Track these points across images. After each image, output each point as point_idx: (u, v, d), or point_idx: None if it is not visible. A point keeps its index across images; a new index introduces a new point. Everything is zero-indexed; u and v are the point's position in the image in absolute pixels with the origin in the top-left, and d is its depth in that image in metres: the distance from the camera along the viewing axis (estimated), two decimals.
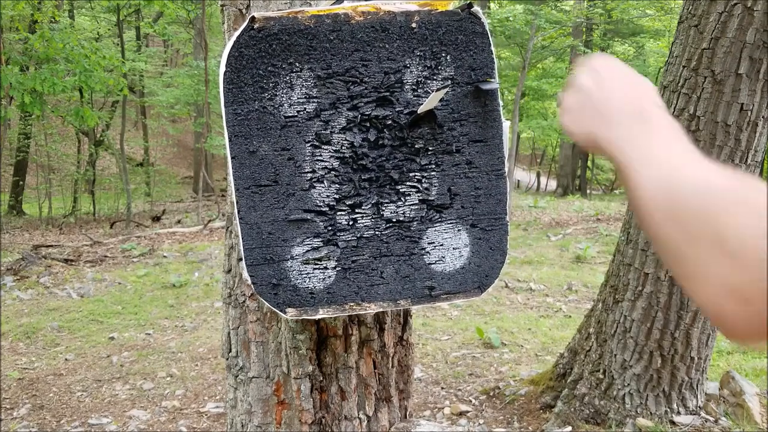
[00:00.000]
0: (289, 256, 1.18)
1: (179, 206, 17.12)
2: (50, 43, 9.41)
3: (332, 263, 1.20)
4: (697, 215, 0.54)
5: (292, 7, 1.40)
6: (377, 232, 1.22)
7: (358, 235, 1.21)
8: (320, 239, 1.19)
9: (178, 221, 13.61)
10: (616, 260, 3.25)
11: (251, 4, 1.42)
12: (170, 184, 20.31)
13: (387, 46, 1.17)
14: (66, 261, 8.26)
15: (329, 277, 1.20)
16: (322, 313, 1.20)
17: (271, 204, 1.16)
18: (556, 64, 20.68)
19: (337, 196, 1.19)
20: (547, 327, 5.17)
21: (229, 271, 1.55)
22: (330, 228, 1.19)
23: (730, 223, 0.50)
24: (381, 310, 1.24)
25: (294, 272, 1.18)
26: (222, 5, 1.50)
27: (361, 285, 1.22)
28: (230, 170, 1.15)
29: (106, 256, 8.84)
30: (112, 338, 5.16)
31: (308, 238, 1.18)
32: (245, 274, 1.17)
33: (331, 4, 1.23)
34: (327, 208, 1.19)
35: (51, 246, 9.58)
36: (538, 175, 25.97)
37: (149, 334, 5.31)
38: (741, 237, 0.49)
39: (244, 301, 1.51)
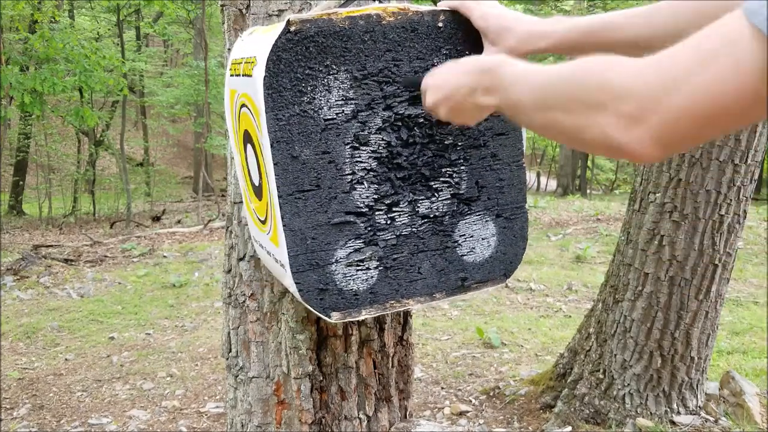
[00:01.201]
0: (333, 260, 1.19)
1: (179, 206, 17.12)
2: (50, 43, 9.41)
3: (374, 263, 1.21)
4: (570, 90, 0.70)
5: (291, 6, 1.40)
6: (414, 229, 1.24)
7: (397, 233, 1.23)
8: (362, 240, 1.20)
9: (178, 221, 13.61)
10: (616, 260, 3.25)
11: (251, 4, 1.42)
12: (170, 184, 20.30)
13: (416, 45, 1.19)
14: (66, 261, 8.26)
15: (372, 277, 1.21)
16: (364, 314, 1.22)
17: (314, 209, 1.16)
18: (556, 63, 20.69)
19: (375, 196, 1.20)
20: (547, 327, 5.17)
21: (229, 271, 1.55)
22: (370, 228, 1.21)
23: (610, 76, 0.64)
24: (419, 305, 1.27)
25: (339, 275, 1.19)
26: (222, 5, 1.51)
27: (401, 282, 1.24)
28: (271, 177, 1.14)
29: (106, 256, 8.84)
30: (112, 338, 5.16)
31: (350, 240, 1.19)
32: (289, 281, 1.17)
33: (340, 5, 1.24)
34: (366, 209, 1.20)
35: (51, 246, 9.58)
36: (538, 175, 25.98)
37: (149, 334, 5.32)
38: (624, 78, 0.63)
39: (244, 301, 1.51)
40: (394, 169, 1.21)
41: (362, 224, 1.20)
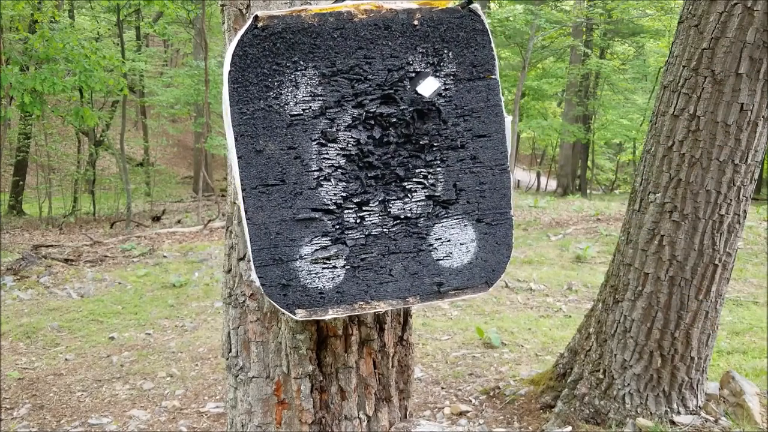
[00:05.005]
0: (297, 256, 1.18)
1: (179, 206, 17.12)
2: (50, 43, 9.41)
3: (341, 262, 1.20)
4: None
5: (292, 6, 1.40)
6: (385, 230, 1.22)
7: (366, 233, 1.21)
8: (328, 238, 1.19)
9: (178, 221, 13.60)
10: (616, 260, 3.25)
11: (251, 4, 1.42)
12: (170, 184, 20.30)
13: (390, 43, 1.17)
14: (66, 261, 8.26)
15: (338, 276, 1.20)
16: (331, 313, 1.20)
17: (278, 203, 1.16)
18: (556, 64, 20.69)
19: (344, 194, 1.19)
20: (547, 327, 5.17)
21: (229, 271, 1.55)
22: (338, 226, 1.19)
23: None
24: (390, 308, 1.24)
25: (303, 272, 1.18)
26: (222, 5, 1.50)
27: (370, 283, 1.22)
28: (235, 170, 1.15)
29: (106, 256, 8.83)
30: (112, 338, 5.16)
31: (316, 237, 1.18)
32: (253, 276, 1.17)
33: (334, 2, 1.23)
34: (334, 207, 1.19)
35: (51, 246, 9.57)
36: (538, 175, 25.97)
37: (149, 334, 5.32)
38: None
39: (244, 301, 1.51)
40: (365, 167, 1.19)
41: (330, 222, 1.18)
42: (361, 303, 1.22)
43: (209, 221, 11.75)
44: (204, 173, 14.64)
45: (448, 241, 1.26)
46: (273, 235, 1.16)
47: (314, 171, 1.17)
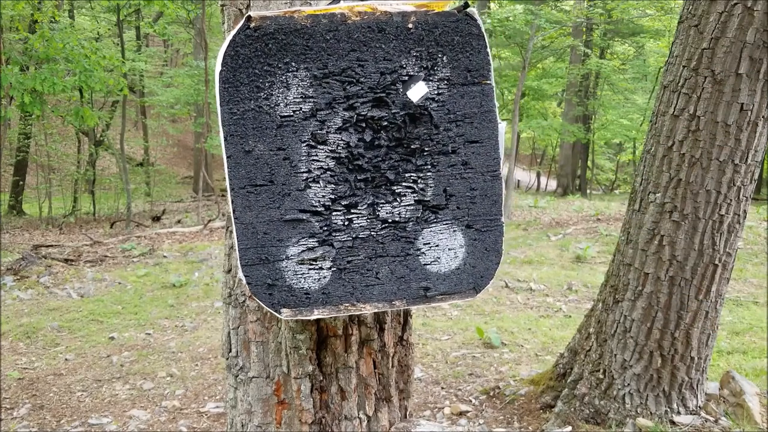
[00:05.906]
0: (284, 257, 1.18)
1: (179, 206, 17.12)
2: (50, 43, 9.40)
3: (327, 263, 1.20)
4: None
5: (292, 6, 1.40)
6: (373, 233, 1.22)
7: (354, 236, 1.21)
8: (315, 239, 1.19)
9: (178, 221, 13.60)
10: (616, 260, 3.25)
11: (251, 4, 1.42)
12: (170, 184, 20.30)
13: (383, 46, 1.17)
14: (66, 261, 8.26)
15: (324, 277, 1.20)
16: (317, 314, 1.20)
17: (266, 204, 1.16)
18: (556, 64, 20.67)
19: (332, 197, 1.19)
20: (547, 327, 5.17)
21: (229, 271, 1.55)
22: (325, 228, 1.19)
23: None
24: (376, 310, 1.24)
25: (289, 272, 1.18)
26: (222, 5, 1.50)
27: (357, 285, 1.22)
28: (225, 168, 1.16)
29: (106, 256, 8.83)
30: (112, 338, 5.16)
31: (303, 238, 1.19)
32: (240, 274, 1.18)
33: (328, 4, 1.23)
34: (322, 209, 1.19)
35: (51, 246, 9.57)
36: (538, 175, 25.97)
37: (149, 334, 5.31)
38: None
39: (244, 301, 1.51)
40: (355, 170, 1.19)
41: (317, 223, 1.19)
42: (347, 305, 1.22)
43: (209, 221, 11.75)
44: (204, 173, 14.64)
45: (437, 246, 1.26)
46: (260, 234, 1.16)
47: (303, 172, 1.17)
